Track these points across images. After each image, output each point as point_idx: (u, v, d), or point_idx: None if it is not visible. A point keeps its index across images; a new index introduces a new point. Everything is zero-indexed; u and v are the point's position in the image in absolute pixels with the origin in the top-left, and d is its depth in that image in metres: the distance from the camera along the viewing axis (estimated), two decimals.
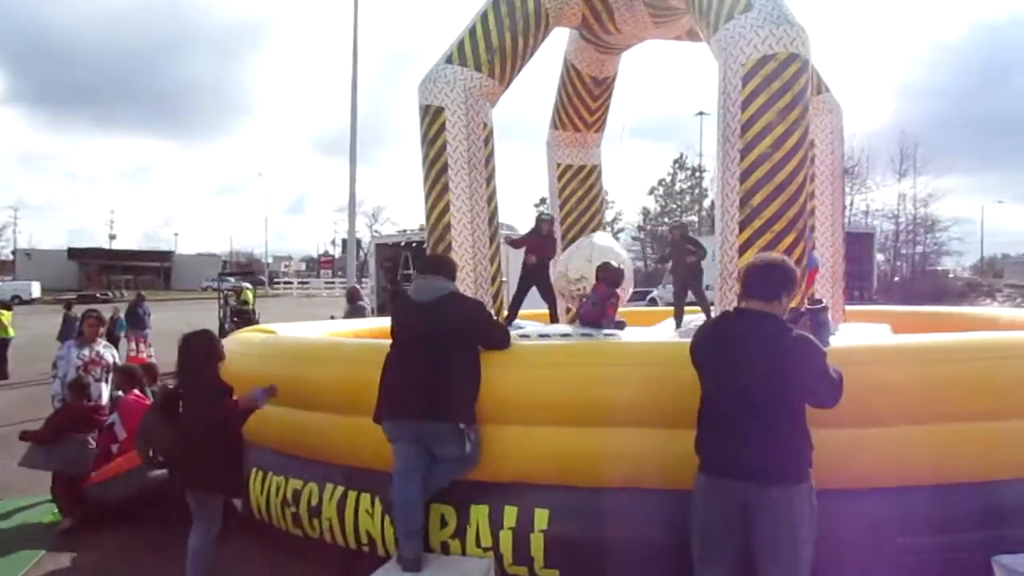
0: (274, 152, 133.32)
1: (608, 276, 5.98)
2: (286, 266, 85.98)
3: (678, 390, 3.58)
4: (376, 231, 58.34)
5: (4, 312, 15.46)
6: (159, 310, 21.41)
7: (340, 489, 4.49)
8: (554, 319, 7.48)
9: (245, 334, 6.39)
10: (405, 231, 19.87)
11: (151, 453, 5.32)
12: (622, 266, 6.50)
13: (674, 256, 7.18)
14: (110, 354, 7.01)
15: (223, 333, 12.87)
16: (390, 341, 4.23)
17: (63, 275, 63.60)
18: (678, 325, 7.03)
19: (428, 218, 6.60)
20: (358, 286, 15.80)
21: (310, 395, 4.73)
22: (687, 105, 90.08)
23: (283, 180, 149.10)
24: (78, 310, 12.71)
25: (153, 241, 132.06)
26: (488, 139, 6.68)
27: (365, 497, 4.36)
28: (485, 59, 6.50)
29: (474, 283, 6.39)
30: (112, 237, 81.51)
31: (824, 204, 7.19)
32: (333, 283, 56.04)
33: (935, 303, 17.83)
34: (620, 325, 5.93)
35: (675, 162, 59.10)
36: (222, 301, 18.82)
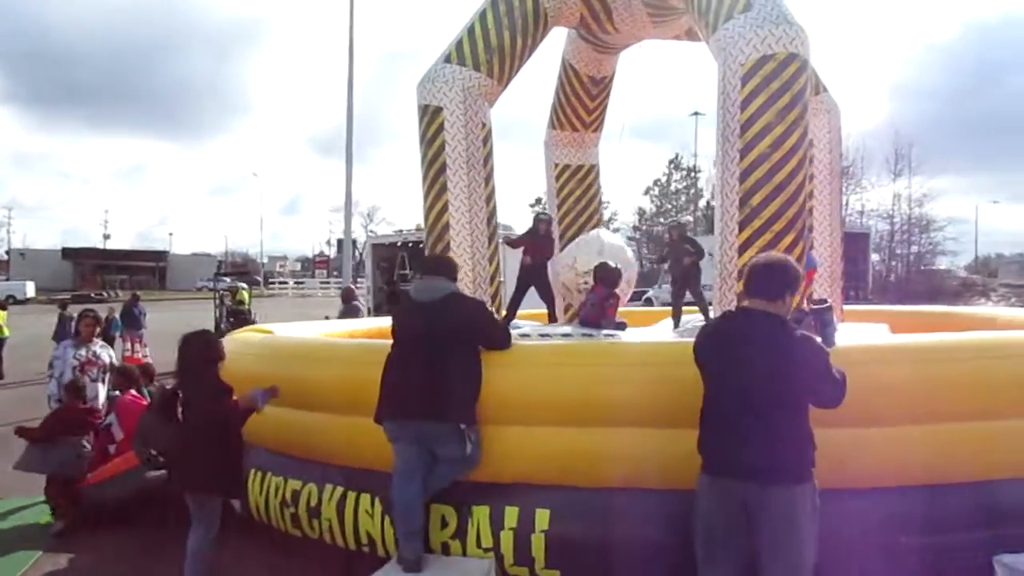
0: (269, 152, 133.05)
1: (606, 276, 5.97)
2: (281, 266, 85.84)
3: (679, 390, 3.59)
4: (371, 231, 58.28)
5: None
6: (154, 310, 21.33)
7: (340, 490, 4.48)
8: (552, 319, 7.48)
9: (243, 334, 6.37)
10: (401, 231, 19.78)
11: (149, 453, 5.29)
12: (622, 266, 6.49)
13: (672, 256, 7.18)
14: (107, 354, 6.97)
15: (219, 333, 12.80)
16: (391, 341, 4.22)
17: (57, 275, 63.40)
18: (676, 325, 7.03)
19: (427, 218, 6.59)
20: (353, 286, 15.76)
21: (309, 395, 4.71)
22: (682, 105, 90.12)
23: (278, 180, 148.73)
24: (73, 310, 12.65)
25: (148, 241, 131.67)
26: (487, 139, 6.67)
27: (365, 497, 4.35)
28: (484, 59, 6.49)
29: (472, 283, 6.37)
30: (106, 237, 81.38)
31: (822, 204, 7.21)
32: (328, 283, 55.91)
33: (930, 303, 17.86)
34: (621, 326, 5.92)
35: (670, 162, 59.31)
36: (218, 301, 18.77)
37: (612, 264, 6.15)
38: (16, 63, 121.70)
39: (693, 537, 3.24)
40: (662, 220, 53.80)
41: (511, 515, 3.96)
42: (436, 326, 3.98)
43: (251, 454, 4.81)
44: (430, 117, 6.44)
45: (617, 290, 6.13)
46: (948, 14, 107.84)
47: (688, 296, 7.29)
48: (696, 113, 48.97)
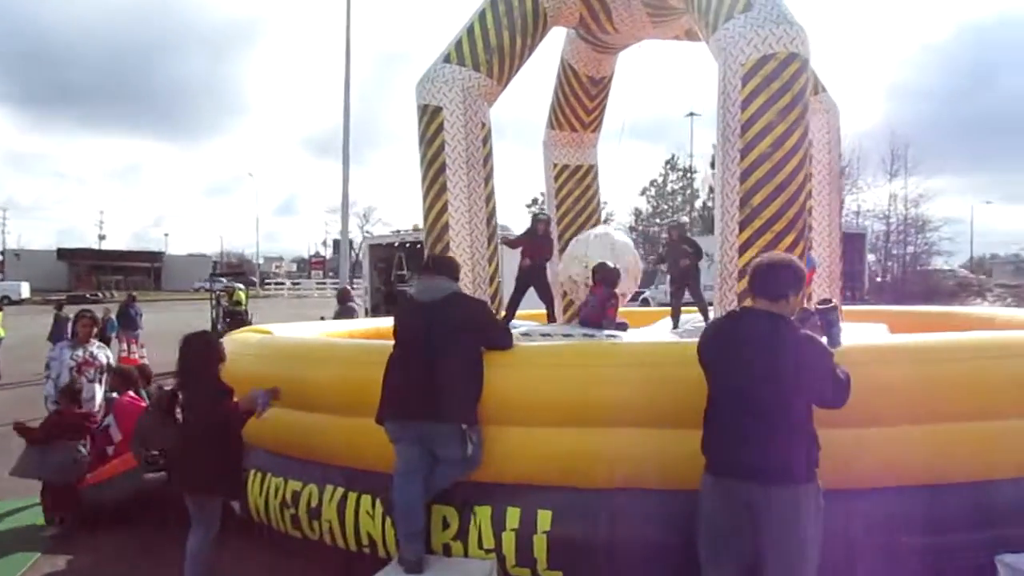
0: (265, 152, 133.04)
1: (606, 277, 5.97)
2: (277, 267, 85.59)
3: (680, 390, 3.58)
4: (368, 232, 58.23)
5: None
6: (150, 311, 21.30)
7: (340, 490, 4.46)
8: (552, 319, 7.47)
9: (241, 335, 6.35)
10: (399, 231, 19.77)
11: (148, 455, 5.27)
12: (631, 265, 6.48)
13: (671, 256, 7.19)
14: (104, 355, 6.94)
15: (216, 334, 12.77)
16: (391, 341, 4.20)
17: (53, 275, 63.21)
18: (675, 325, 7.03)
19: (426, 218, 6.57)
20: (349, 287, 15.74)
21: (308, 396, 4.70)
22: (678, 106, 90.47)
23: (274, 181, 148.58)
24: (69, 311, 12.60)
25: (143, 241, 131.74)
26: (486, 139, 6.66)
27: (366, 498, 4.34)
28: (483, 58, 6.49)
29: (472, 283, 6.36)
30: (102, 237, 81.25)
31: (821, 204, 7.22)
32: (324, 284, 55.84)
33: (926, 303, 17.90)
34: (622, 327, 5.92)
35: (667, 163, 59.36)
36: (214, 302, 18.72)
37: (611, 264, 6.15)
38: (11, 63, 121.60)
39: (697, 537, 3.23)
40: (658, 221, 53.86)
41: (513, 516, 3.95)
42: (437, 326, 3.96)
43: (251, 455, 4.79)
44: (430, 117, 6.43)
45: (622, 288, 6.11)
46: (944, 15, 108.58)
47: (687, 296, 7.30)
48: (692, 114, 49.11)
